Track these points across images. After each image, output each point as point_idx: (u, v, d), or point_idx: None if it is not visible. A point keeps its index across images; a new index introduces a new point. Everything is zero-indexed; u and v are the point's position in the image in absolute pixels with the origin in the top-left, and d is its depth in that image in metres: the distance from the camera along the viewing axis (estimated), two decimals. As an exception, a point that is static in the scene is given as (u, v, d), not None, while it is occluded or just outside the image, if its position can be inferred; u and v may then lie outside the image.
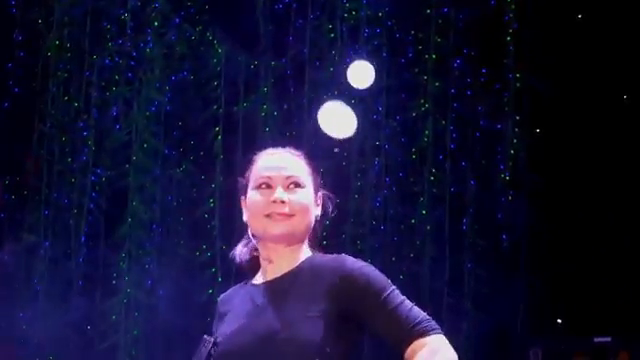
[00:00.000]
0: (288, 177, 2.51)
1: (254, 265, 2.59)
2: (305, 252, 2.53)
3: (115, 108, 6.68)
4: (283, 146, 2.61)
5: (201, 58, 6.74)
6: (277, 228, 2.47)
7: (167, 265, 6.59)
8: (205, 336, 2.42)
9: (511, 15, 6.64)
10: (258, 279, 2.54)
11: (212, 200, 6.57)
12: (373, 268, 2.42)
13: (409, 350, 2.32)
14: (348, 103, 6.54)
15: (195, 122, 6.73)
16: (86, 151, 6.71)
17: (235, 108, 6.69)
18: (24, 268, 6.69)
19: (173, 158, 6.73)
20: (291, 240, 2.50)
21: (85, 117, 6.73)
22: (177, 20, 6.69)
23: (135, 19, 6.69)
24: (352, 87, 6.57)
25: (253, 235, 2.54)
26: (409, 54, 6.75)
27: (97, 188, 6.69)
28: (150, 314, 6.54)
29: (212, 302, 6.45)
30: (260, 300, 2.45)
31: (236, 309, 2.50)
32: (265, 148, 2.60)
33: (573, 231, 6.62)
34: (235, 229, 6.46)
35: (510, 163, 6.64)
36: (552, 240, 6.58)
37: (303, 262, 2.50)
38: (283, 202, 2.47)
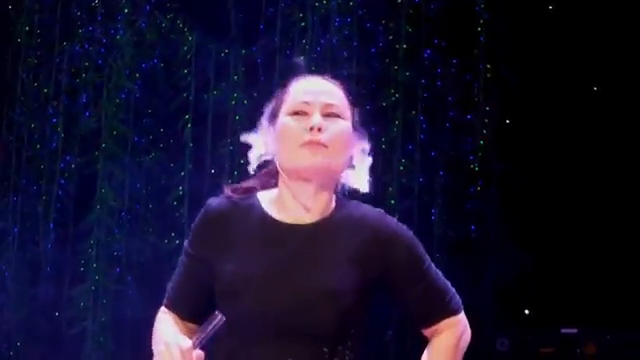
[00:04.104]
0: (328, 105, 2.24)
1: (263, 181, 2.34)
2: (333, 197, 2.29)
3: (85, 95, 6.67)
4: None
5: (171, 46, 6.71)
6: (311, 160, 2.19)
7: (135, 252, 6.59)
8: (217, 312, 2.12)
9: (482, 6, 6.62)
10: (276, 211, 2.26)
11: (181, 188, 6.56)
12: (412, 233, 2.31)
13: (442, 324, 2.31)
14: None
15: (165, 110, 6.71)
16: (55, 138, 6.70)
17: (205, 96, 6.67)
18: (-8, 254, 6.71)
19: (142, 145, 6.70)
20: (324, 176, 2.23)
21: (55, 104, 6.72)
22: (147, 7, 6.66)
23: (105, 6, 6.66)
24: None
25: (279, 168, 2.26)
26: (380, 44, 6.73)
27: (66, 175, 6.68)
28: (118, 301, 6.54)
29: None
30: (292, 245, 2.20)
31: (253, 242, 2.22)
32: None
33: (541, 222, 6.64)
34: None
35: (480, 154, 6.64)
36: (520, 231, 6.59)
37: (338, 208, 2.28)
38: (320, 130, 2.20)
